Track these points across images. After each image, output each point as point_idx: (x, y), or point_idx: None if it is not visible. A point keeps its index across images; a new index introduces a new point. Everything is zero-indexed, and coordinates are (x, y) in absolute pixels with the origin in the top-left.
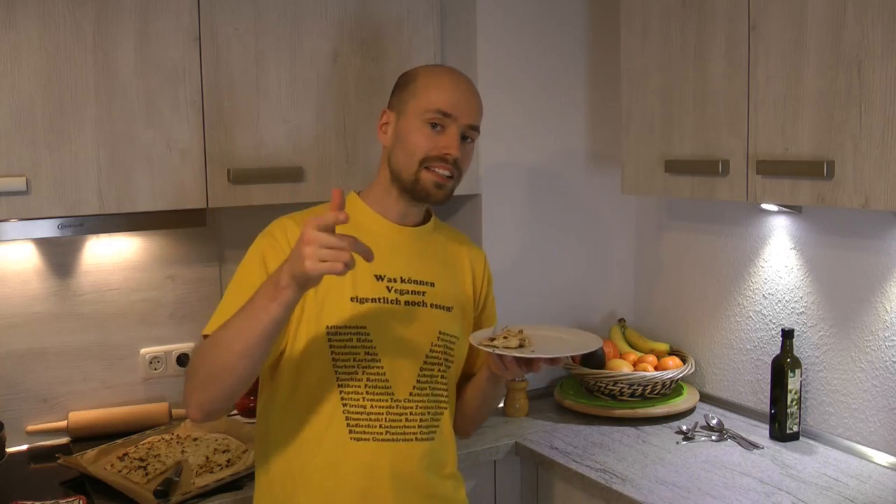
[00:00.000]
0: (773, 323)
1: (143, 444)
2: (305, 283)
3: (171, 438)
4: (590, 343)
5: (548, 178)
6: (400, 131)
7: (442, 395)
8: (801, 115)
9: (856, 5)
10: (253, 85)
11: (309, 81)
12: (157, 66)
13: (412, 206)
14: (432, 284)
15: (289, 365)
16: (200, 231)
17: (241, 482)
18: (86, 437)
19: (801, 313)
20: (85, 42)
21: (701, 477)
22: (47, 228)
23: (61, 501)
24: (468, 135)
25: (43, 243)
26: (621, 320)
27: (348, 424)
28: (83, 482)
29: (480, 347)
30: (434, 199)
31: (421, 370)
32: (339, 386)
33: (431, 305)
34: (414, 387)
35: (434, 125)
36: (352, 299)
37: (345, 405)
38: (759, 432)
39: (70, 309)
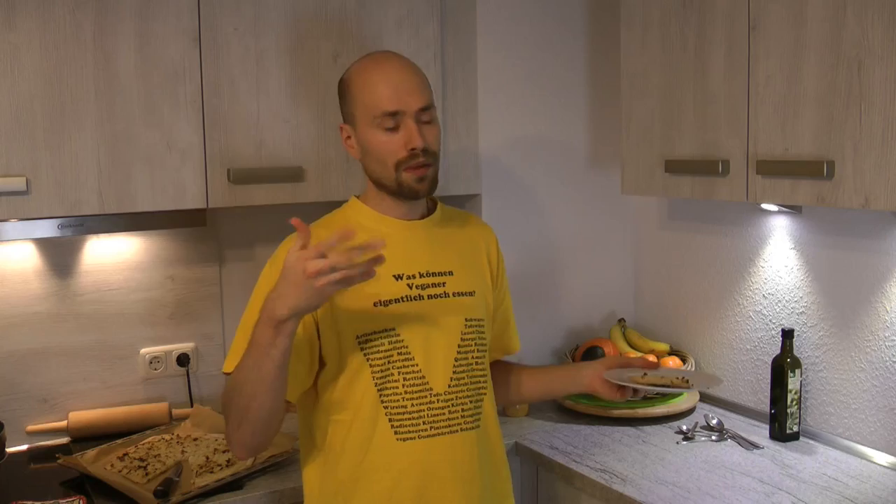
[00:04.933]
0: (773, 323)
1: (143, 444)
2: (307, 311)
3: (171, 438)
4: (713, 378)
5: (548, 178)
6: (362, 143)
7: (480, 381)
8: (801, 115)
9: (856, 5)
10: (253, 85)
11: (309, 81)
12: (157, 66)
13: (411, 202)
14: (451, 273)
15: (326, 379)
16: (200, 231)
17: (242, 482)
18: (86, 437)
19: (801, 313)
20: (85, 42)
21: (701, 477)
22: (47, 228)
23: (61, 501)
24: (423, 117)
25: (43, 243)
26: (621, 320)
27: (392, 426)
28: (83, 482)
29: (653, 388)
30: (421, 193)
31: (456, 361)
32: (379, 390)
33: (454, 294)
34: (451, 378)
35: (387, 127)
36: (375, 304)
37: (386, 408)
38: (759, 432)
39: (70, 309)
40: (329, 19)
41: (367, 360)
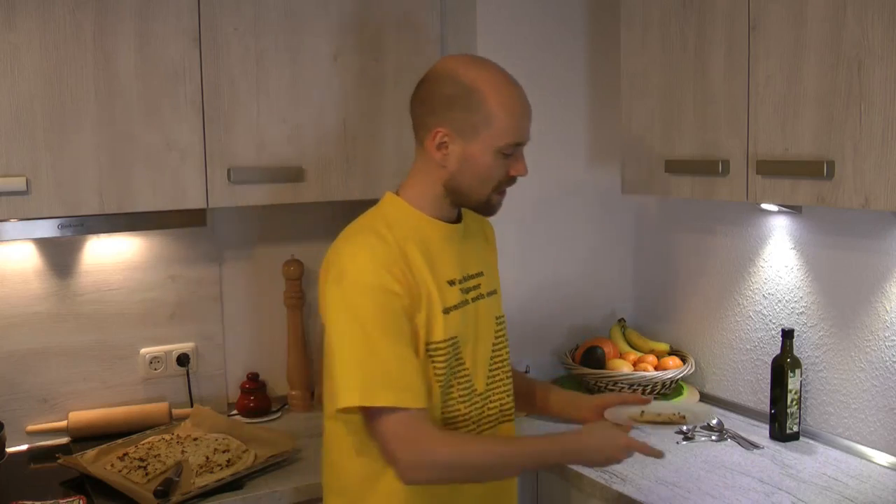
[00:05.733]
0: (773, 323)
1: (143, 444)
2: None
3: (171, 438)
4: (707, 413)
5: (547, 178)
6: (470, 158)
7: (509, 375)
8: (801, 115)
9: (856, 5)
10: (253, 85)
11: (309, 81)
12: (157, 66)
13: (455, 209)
14: (482, 274)
15: None
16: (200, 231)
17: (241, 482)
18: (86, 437)
19: (801, 313)
20: (85, 42)
21: (701, 477)
22: (47, 228)
23: (61, 501)
24: None
25: (43, 243)
26: (621, 320)
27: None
28: (83, 482)
29: (654, 426)
30: (496, 212)
31: (491, 359)
32: (442, 395)
33: (487, 294)
34: (487, 377)
35: (507, 154)
36: (444, 311)
37: (444, 414)
38: (759, 432)
39: (70, 309)
40: (329, 19)
41: (434, 367)
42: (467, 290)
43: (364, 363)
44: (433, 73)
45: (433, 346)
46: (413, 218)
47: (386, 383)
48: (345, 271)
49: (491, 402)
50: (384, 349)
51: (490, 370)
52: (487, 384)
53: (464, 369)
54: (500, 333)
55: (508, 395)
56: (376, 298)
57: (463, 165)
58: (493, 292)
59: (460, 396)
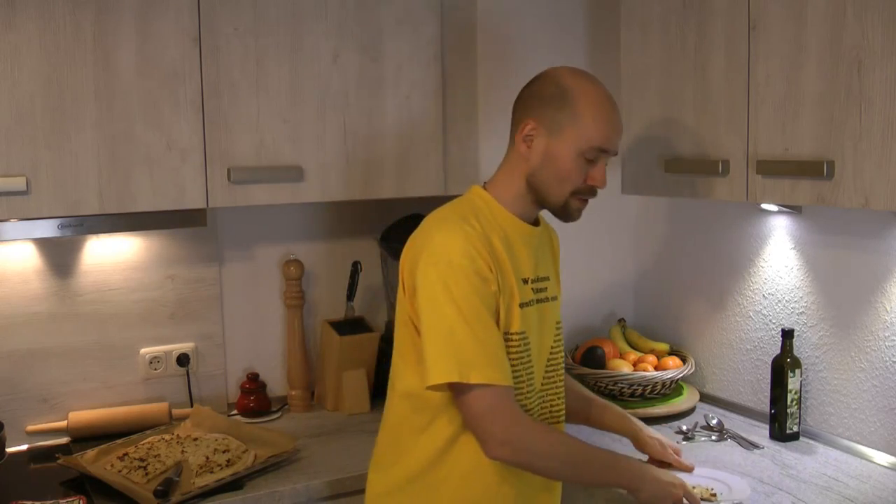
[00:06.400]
0: (773, 323)
1: (143, 444)
2: None
3: (171, 438)
4: (742, 491)
5: None
6: (552, 154)
7: (562, 379)
8: (801, 115)
9: (856, 5)
10: (253, 85)
11: (309, 81)
12: (157, 66)
13: (537, 212)
14: (548, 278)
15: None
16: (200, 231)
17: (241, 482)
18: (86, 437)
19: (801, 313)
20: (85, 42)
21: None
22: (47, 228)
23: (61, 501)
24: (609, 158)
25: (43, 243)
26: (621, 320)
27: None
28: (83, 482)
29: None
30: (574, 219)
31: (548, 361)
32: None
33: (551, 298)
34: (544, 377)
35: (589, 158)
36: (520, 306)
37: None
38: (759, 432)
39: (70, 309)
40: (329, 19)
41: (508, 357)
42: (536, 290)
43: (460, 341)
44: (538, 77)
45: (507, 336)
46: (497, 213)
47: (481, 361)
48: (440, 254)
49: (544, 401)
50: (479, 328)
51: (546, 371)
52: (543, 384)
53: (531, 364)
54: (558, 338)
55: (560, 399)
56: (471, 280)
57: (544, 161)
58: (555, 298)
59: (527, 389)
